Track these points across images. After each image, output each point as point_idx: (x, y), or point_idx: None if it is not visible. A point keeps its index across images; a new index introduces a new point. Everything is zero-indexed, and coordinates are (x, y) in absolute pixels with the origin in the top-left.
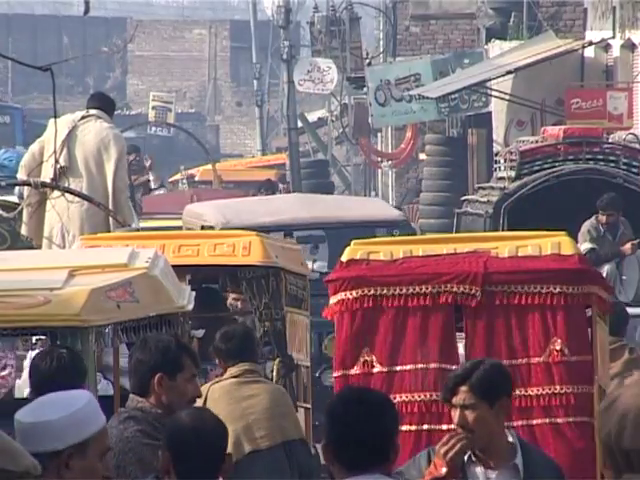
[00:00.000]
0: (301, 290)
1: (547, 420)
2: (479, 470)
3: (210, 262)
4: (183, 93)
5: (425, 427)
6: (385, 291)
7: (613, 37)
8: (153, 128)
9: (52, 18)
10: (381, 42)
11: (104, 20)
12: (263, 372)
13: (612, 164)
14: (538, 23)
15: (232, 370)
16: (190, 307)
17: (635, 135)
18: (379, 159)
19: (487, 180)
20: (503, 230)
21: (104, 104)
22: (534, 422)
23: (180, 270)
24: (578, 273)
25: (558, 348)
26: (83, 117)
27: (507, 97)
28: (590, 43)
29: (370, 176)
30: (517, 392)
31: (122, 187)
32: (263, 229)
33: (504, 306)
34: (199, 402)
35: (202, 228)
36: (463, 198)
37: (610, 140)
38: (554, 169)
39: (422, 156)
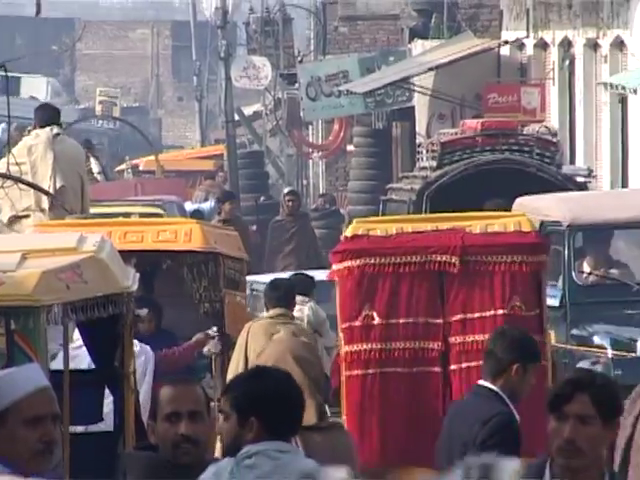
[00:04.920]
0: (238, 273)
1: None
2: None
3: (153, 247)
4: (128, 89)
5: (415, 370)
6: (382, 260)
7: (527, 37)
8: (100, 121)
9: (5, 19)
10: (312, 41)
11: (54, 21)
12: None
13: (526, 154)
14: (457, 24)
15: (270, 312)
16: (134, 288)
17: (547, 127)
18: (310, 150)
19: (410, 169)
20: None
21: (58, 117)
22: None
23: (126, 255)
24: (535, 246)
25: (518, 304)
26: (55, 135)
27: (429, 92)
28: (506, 42)
29: (302, 166)
30: (477, 337)
31: (86, 180)
32: (616, 226)
33: (477, 272)
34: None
35: (541, 223)
36: (388, 186)
37: (524, 132)
38: (472, 159)
39: (350, 147)
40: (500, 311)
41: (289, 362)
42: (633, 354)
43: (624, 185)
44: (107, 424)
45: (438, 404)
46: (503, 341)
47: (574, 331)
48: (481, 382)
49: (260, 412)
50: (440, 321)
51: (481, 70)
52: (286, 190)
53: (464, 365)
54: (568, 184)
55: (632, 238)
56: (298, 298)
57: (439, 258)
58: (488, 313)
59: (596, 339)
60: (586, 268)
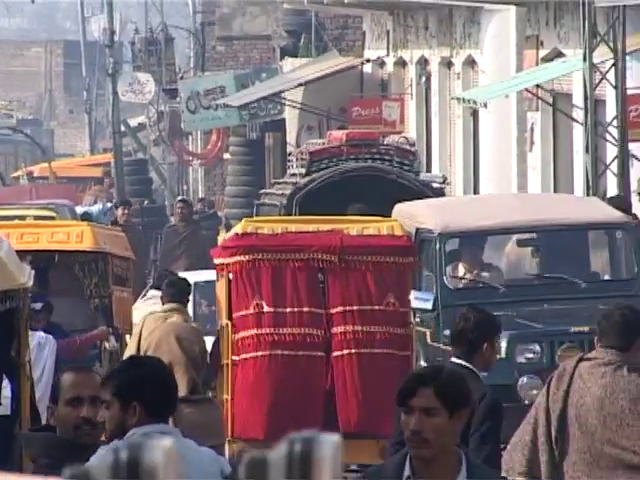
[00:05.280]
0: (125, 271)
1: (383, 350)
2: None
3: (48, 247)
4: (23, 102)
5: (300, 353)
6: (270, 256)
7: (387, 55)
8: None
9: None
10: (192, 59)
11: None
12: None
13: (387, 162)
14: (324, 43)
15: (165, 307)
16: (30, 284)
17: (406, 138)
18: (190, 158)
19: (282, 176)
20: None
21: None
22: (375, 351)
23: (22, 254)
24: (406, 248)
25: (392, 300)
26: None
27: (298, 106)
28: (368, 60)
29: (182, 173)
30: (364, 328)
31: None
32: (485, 233)
33: (354, 270)
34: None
35: (417, 230)
36: (261, 191)
37: (385, 142)
38: (338, 167)
39: (227, 156)
40: (377, 306)
41: (171, 341)
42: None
43: (476, 191)
44: (5, 409)
45: (321, 384)
46: (471, 324)
47: (446, 332)
48: (454, 360)
49: (141, 397)
50: (322, 311)
51: (346, 85)
52: (178, 198)
53: (346, 352)
54: (425, 190)
55: (501, 243)
56: (156, 292)
57: (320, 256)
58: (366, 307)
59: None
60: (459, 272)
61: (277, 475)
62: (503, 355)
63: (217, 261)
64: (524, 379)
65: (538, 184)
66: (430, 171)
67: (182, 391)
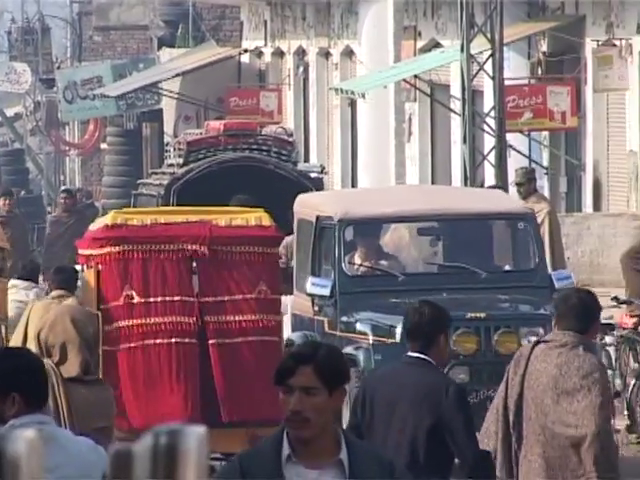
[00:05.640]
0: (1, 261)
1: (257, 338)
2: (300, 470)
3: None
4: None
5: (173, 340)
6: (140, 247)
7: (265, 45)
8: None
9: None
10: (69, 49)
11: None
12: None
13: (265, 153)
14: (202, 33)
15: (53, 293)
16: None
17: (284, 128)
18: (67, 148)
19: (159, 166)
20: None
21: None
22: (249, 339)
23: None
24: (274, 239)
25: (264, 289)
26: None
27: (176, 96)
28: (245, 51)
29: (59, 163)
30: (237, 317)
31: None
32: (384, 221)
33: (224, 259)
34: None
35: (317, 218)
36: (139, 181)
37: (263, 132)
38: (216, 157)
39: (104, 146)
40: (249, 295)
41: (66, 321)
42: (392, 340)
43: (354, 180)
44: None
45: (196, 370)
46: (425, 318)
47: (343, 318)
48: (411, 354)
49: (20, 387)
50: (194, 300)
51: (223, 76)
52: (62, 188)
53: (220, 340)
54: (303, 180)
55: (400, 231)
56: (25, 283)
57: (190, 246)
58: (239, 296)
59: (358, 326)
60: (358, 260)
61: (142, 467)
62: (397, 340)
63: (85, 252)
64: None
65: (416, 175)
66: (308, 161)
67: (75, 371)
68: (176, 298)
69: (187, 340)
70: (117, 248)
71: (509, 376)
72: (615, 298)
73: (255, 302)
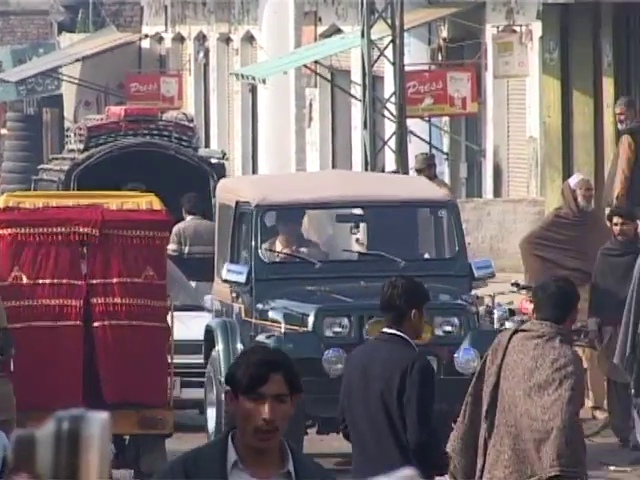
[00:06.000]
0: None
1: (142, 322)
2: (246, 477)
3: None
4: None
5: (59, 323)
6: (32, 230)
7: (165, 31)
8: None
9: None
10: None
11: None
12: None
13: (165, 138)
14: (102, 19)
15: None
16: None
17: (185, 114)
18: None
19: (60, 152)
20: None
21: None
22: (134, 322)
23: None
24: (163, 223)
25: (151, 273)
26: None
27: (76, 81)
28: (146, 36)
29: None
30: (124, 300)
31: None
32: (303, 207)
33: (115, 243)
34: None
35: (237, 204)
36: (39, 167)
37: (164, 118)
38: (117, 142)
39: (4, 131)
40: (136, 279)
41: None
42: (305, 328)
43: (254, 165)
44: None
45: (80, 353)
46: (398, 291)
47: (258, 306)
48: (386, 330)
49: None
50: (82, 283)
51: (123, 61)
52: None
53: (106, 323)
54: (203, 165)
55: (321, 218)
56: None
57: (81, 230)
58: (126, 280)
59: (271, 314)
60: (277, 246)
61: (45, 453)
62: (310, 328)
63: None
64: (329, 352)
65: (317, 160)
66: (209, 147)
67: None
68: (64, 281)
69: (72, 322)
70: (8, 230)
71: (486, 365)
72: (515, 284)
73: (141, 286)
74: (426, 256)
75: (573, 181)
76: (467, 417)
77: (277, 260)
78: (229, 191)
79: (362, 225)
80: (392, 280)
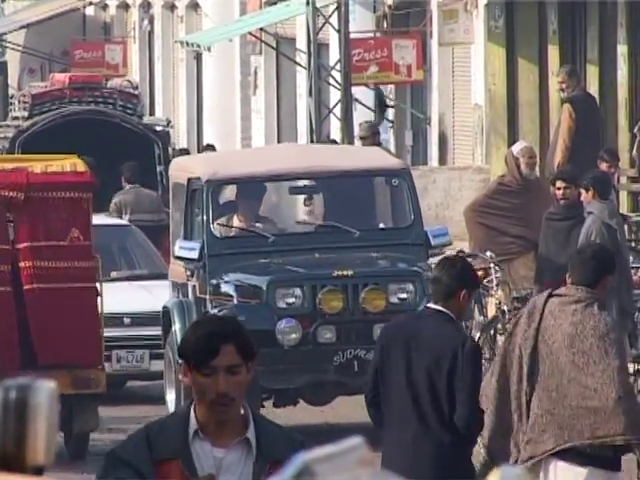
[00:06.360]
0: None
1: (71, 284)
2: (206, 447)
3: None
4: None
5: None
6: None
7: None
8: None
9: None
10: None
11: None
12: None
13: (110, 106)
14: None
15: None
16: None
17: (129, 81)
18: None
19: (4, 119)
20: None
21: None
22: (63, 284)
23: None
24: (87, 184)
25: (76, 235)
26: None
27: (20, 48)
28: (90, 3)
29: None
30: (51, 263)
31: None
32: (254, 179)
33: (40, 206)
34: None
35: (189, 181)
36: None
37: (109, 86)
38: (61, 110)
39: None
40: (62, 242)
41: None
42: (257, 300)
43: (199, 133)
44: None
45: (11, 318)
46: (450, 270)
47: (212, 281)
48: (431, 305)
49: None
50: (9, 247)
51: (68, 28)
52: None
53: (35, 286)
54: (148, 133)
55: (276, 191)
56: None
57: (6, 193)
58: (52, 242)
59: (224, 287)
60: (234, 221)
61: None
62: (263, 300)
63: None
64: (282, 323)
65: (262, 127)
66: (154, 114)
67: None
68: None
69: (3, 288)
70: None
71: (521, 327)
72: (460, 251)
73: (68, 248)
74: (381, 225)
75: (516, 148)
76: (497, 376)
77: (230, 235)
78: (181, 169)
79: (315, 197)
80: (451, 258)
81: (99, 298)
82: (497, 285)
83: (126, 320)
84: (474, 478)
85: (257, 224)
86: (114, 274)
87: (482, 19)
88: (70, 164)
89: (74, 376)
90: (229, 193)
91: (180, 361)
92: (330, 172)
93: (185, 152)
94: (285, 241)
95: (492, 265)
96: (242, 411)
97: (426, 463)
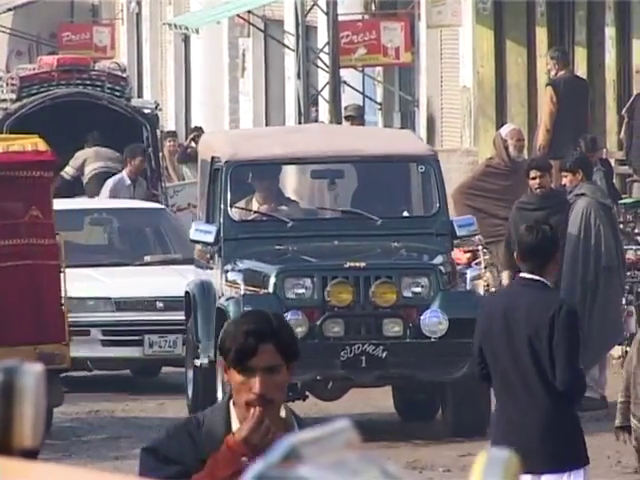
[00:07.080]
0: None
1: (30, 261)
2: None
3: None
4: None
5: None
6: None
7: None
8: None
9: None
10: None
11: None
12: None
13: (98, 88)
14: None
15: None
16: None
17: (117, 64)
18: None
19: None
20: None
21: None
22: (23, 262)
23: None
24: (49, 163)
25: (35, 213)
26: None
27: (8, 31)
28: None
29: None
30: (8, 242)
31: None
32: (275, 162)
33: (1, 185)
34: None
35: (212, 160)
36: None
37: (97, 68)
38: (49, 92)
39: None
40: (21, 219)
41: None
42: (265, 290)
43: (187, 116)
44: None
45: None
46: (546, 235)
47: (226, 267)
48: (525, 275)
49: None
50: None
51: (56, 11)
52: None
53: None
54: (136, 116)
55: (298, 175)
56: None
57: None
58: (11, 221)
59: (232, 275)
60: (254, 204)
61: None
62: (271, 290)
63: None
64: (287, 315)
65: (250, 110)
66: (142, 97)
67: None
68: None
69: None
70: None
71: None
72: None
73: (26, 226)
74: (405, 213)
75: (504, 131)
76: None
77: (249, 219)
78: (207, 146)
79: (338, 181)
80: (535, 226)
81: (62, 275)
82: (485, 267)
83: (159, 304)
84: (584, 443)
85: (280, 206)
86: (147, 258)
87: (470, 1)
88: (31, 144)
89: (39, 352)
90: (244, 172)
91: (219, 356)
92: (354, 157)
93: (199, 130)
94: (304, 227)
95: (480, 247)
96: (283, 413)
97: (535, 433)
